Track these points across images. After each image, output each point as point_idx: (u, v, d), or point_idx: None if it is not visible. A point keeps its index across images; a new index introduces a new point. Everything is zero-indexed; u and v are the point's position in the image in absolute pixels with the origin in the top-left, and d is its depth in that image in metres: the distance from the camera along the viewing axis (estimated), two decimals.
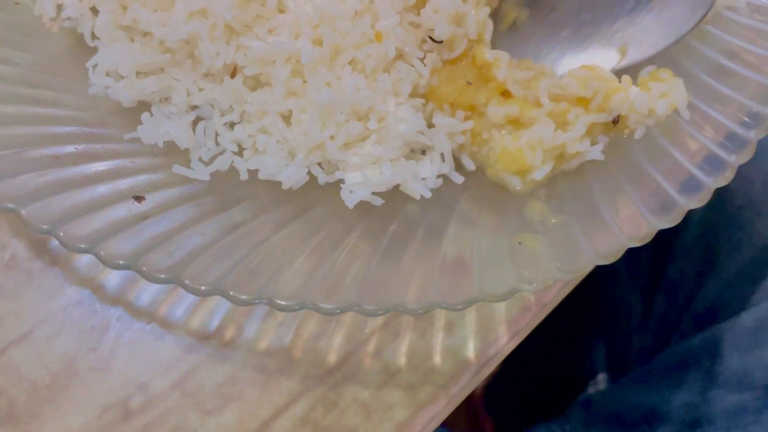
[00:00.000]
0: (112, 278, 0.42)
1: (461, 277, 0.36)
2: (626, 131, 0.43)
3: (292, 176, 0.41)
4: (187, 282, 0.34)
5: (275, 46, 0.41)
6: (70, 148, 0.40)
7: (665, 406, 0.61)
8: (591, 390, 0.88)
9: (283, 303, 0.34)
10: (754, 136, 0.39)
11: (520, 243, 0.37)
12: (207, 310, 0.42)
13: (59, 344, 0.41)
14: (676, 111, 0.42)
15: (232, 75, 0.43)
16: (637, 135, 0.42)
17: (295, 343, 0.42)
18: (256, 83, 0.43)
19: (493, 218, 0.41)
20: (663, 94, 0.42)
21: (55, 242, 0.43)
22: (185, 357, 0.41)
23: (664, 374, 0.65)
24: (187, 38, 0.41)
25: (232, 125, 0.43)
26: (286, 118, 0.42)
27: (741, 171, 0.40)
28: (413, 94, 0.43)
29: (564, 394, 0.84)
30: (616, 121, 0.42)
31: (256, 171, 0.42)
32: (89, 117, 0.43)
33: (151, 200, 0.38)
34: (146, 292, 0.42)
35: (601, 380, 0.88)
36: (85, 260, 0.42)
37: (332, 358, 0.41)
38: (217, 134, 0.43)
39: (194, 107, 0.43)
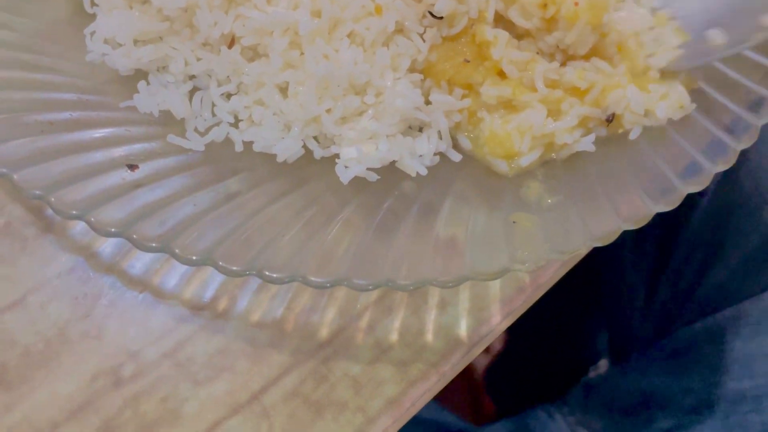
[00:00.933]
0: (106, 246, 0.42)
1: (454, 255, 0.36)
2: (620, 130, 0.42)
3: (287, 149, 0.41)
4: (177, 251, 0.34)
5: (273, 16, 0.40)
6: (65, 115, 0.39)
7: (665, 392, 0.61)
8: (592, 374, 0.88)
9: (273, 275, 0.34)
10: (757, 121, 0.39)
11: (514, 222, 0.37)
12: (200, 281, 0.42)
13: (52, 311, 0.41)
14: (682, 109, 0.41)
15: (230, 45, 0.42)
16: (632, 135, 0.41)
17: (287, 317, 0.42)
18: (254, 54, 0.42)
19: (489, 197, 0.40)
20: (663, 95, 0.41)
21: (50, 209, 0.43)
22: (177, 327, 0.41)
23: (666, 360, 0.64)
24: (185, 6, 0.41)
25: (228, 96, 0.43)
26: (283, 90, 0.42)
27: (749, 158, 0.39)
28: (411, 70, 0.42)
29: (564, 378, 0.84)
30: (610, 120, 0.41)
31: (251, 143, 0.41)
32: (86, 84, 0.43)
33: (145, 169, 0.37)
34: (140, 261, 0.42)
35: (602, 365, 0.88)
36: (79, 228, 0.42)
37: (324, 332, 0.41)
38: (213, 105, 0.42)
39: (192, 77, 0.43)
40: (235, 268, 0.35)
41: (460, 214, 0.39)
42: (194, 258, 0.34)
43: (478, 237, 0.37)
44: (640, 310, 0.73)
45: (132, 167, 0.37)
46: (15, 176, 0.35)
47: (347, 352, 0.41)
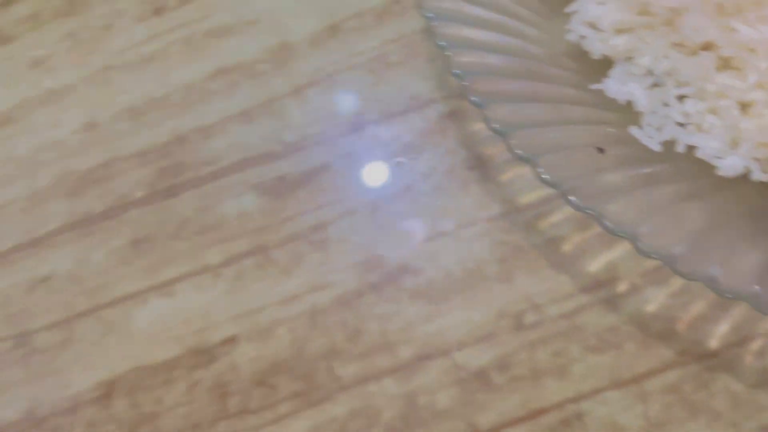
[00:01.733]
0: (530, 205, 0.47)
1: None
2: None
3: (731, 165, 0.42)
4: (640, 245, 0.37)
5: (765, 35, 0.41)
6: (542, 86, 0.44)
7: None
8: None
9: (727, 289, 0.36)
10: None
11: None
12: (606, 261, 0.46)
13: (476, 247, 0.47)
14: None
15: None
16: None
17: (680, 317, 0.44)
18: (725, 64, 0.43)
19: None
20: None
21: (488, 158, 0.48)
22: (578, 295, 0.45)
23: None
24: (677, 7, 0.43)
25: (681, 98, 0.44)
26: (743, 106, 0.43)
27: None
28: None
29: None
30: None
31: (691, 148, 0.43)
32: (546, 55, 0.46)
33: (611, 154, 0.41)
34: (556, 228, 0.46)
35: None
36: (512, 182, 0.48)
37: (714, 343, 0.43)
38: (666, 104, 0.44)
39: (651, 73, 0.45)
40: (688, 272, 0.37)
41: None
42: (656, 253, 0.37)
43: None
44: None
45: (601, 150, 0.41)
46: (512, 141, 0.40)
47: (732, 369, 0.43)
